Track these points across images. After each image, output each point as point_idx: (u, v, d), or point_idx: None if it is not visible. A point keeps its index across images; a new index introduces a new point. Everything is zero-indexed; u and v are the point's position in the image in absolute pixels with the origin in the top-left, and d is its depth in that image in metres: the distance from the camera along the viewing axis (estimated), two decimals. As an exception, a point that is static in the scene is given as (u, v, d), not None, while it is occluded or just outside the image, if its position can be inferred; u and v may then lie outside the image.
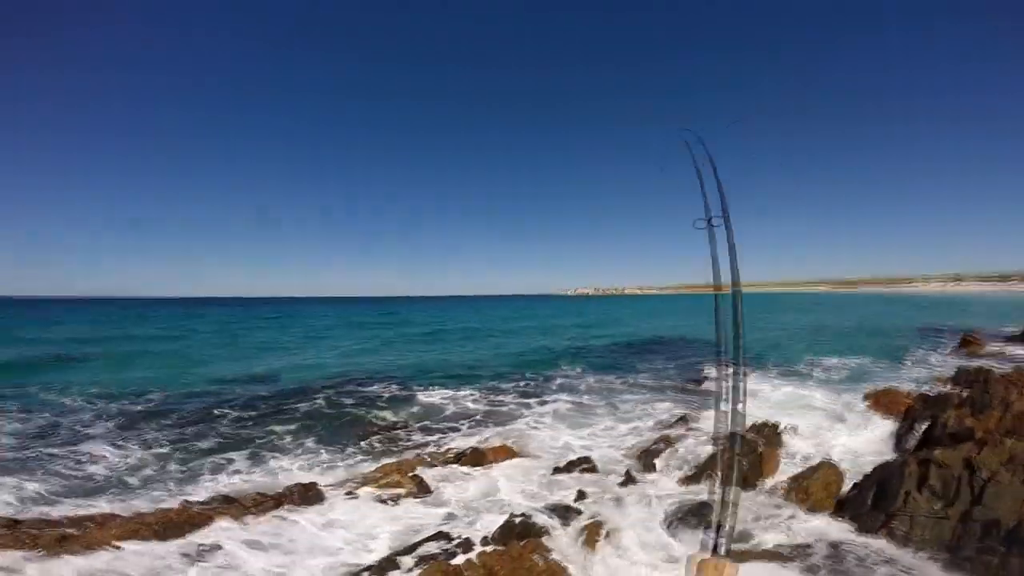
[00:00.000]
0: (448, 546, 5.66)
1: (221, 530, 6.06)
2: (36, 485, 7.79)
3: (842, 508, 6.26)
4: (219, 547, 5.62)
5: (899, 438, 8.85)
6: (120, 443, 10.07)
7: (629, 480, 7.71)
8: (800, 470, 7.34)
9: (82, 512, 6.73)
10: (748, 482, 7.42)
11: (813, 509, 6.31)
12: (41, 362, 21.32)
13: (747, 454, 7.84)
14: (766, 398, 13.19)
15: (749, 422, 10.12)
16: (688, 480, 7.71)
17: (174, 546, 5.60)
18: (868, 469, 6.73)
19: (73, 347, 26.79)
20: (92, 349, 26.13)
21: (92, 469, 8.67)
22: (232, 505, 6.79)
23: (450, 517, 6.75)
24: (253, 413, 12.55)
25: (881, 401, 10.92)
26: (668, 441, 9.33)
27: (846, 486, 6.70)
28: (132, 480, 8.31)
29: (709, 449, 8.31)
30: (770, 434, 9.38)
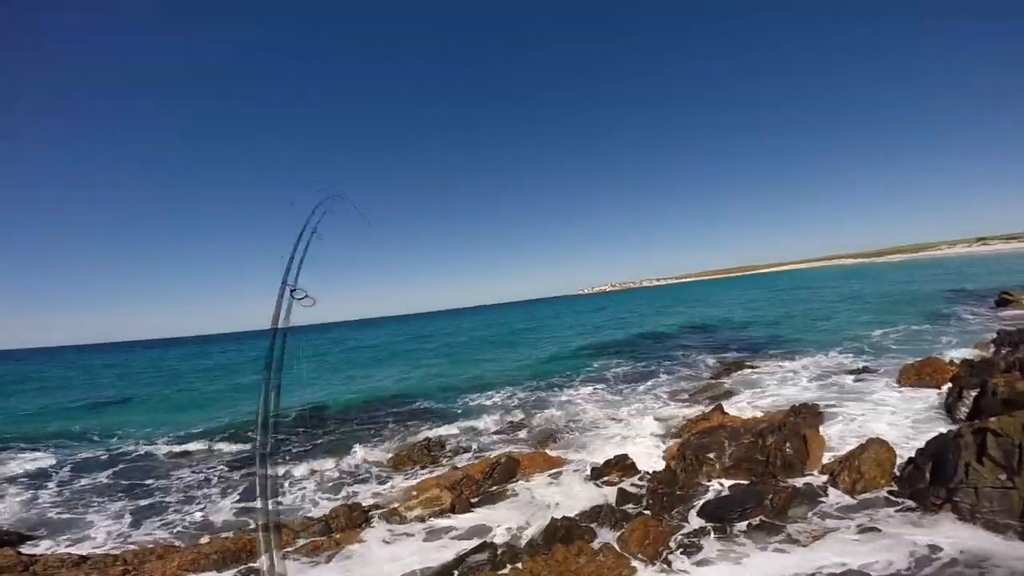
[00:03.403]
0: (493, 556, 5.61)
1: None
2: (100, 521, 8.11)
3: (898, 485, 6.04)
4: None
5: (948, 408, 8.53)
6: (177, 475, 10.37)
7: (670, 475, 7.54)
8: (848, 449, 7.12)
9: (145, 544, 6.97)
10: (793, 467, 7.22)
11: (867, 488, 6.10)
12: (99, 404, 22.07)
13: (790, 437, 7.64)
14: (805, 377, 12.90)
15: (789, 404, 9.89)
16: (728, 471, 7.50)
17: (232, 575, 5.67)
18: (921, 443, 6.49)
19: (124, 389, 27.63)
20: (137, 390, 26.92)
21: (150, 502, 8.93)
22: (282, 531, 6.87)
23: (492, 527, 6.71)
24: (297, 436, 12.74)
25: (924, 371, 10.56)
26: (707, 432, 9.13)
27: (900, 462, 6.46)
28: (190, 510, 8.51)
29: (748, 439, 8.08)
30: (810, 415, 9.14)
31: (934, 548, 4.65)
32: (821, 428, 8.63)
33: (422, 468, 9.56)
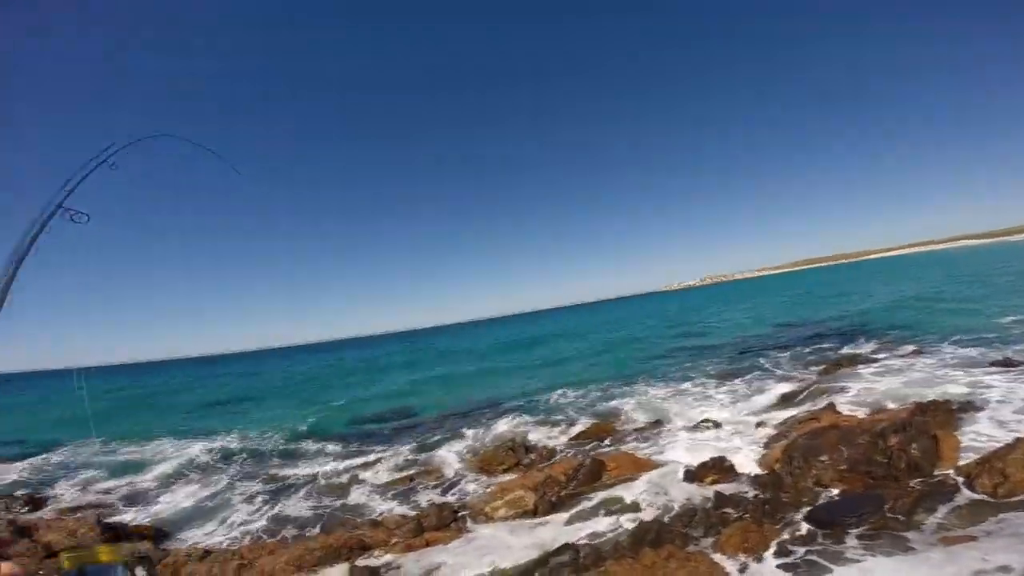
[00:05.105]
0: (575, 558, 5.52)
1: (375, 555, 6.52)
2: (226, 516, 9.11)
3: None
4: (375, 571, 5.98)
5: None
6: (298, 472, 11.33)
7: (775, 479, 6.97)
8: (988, 450, 6.17)
9: (262, 539, 7.75)
10: (921, 469, 6.39)
11: (1012, 492, 5.24)
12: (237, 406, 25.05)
13: (916, 437, 6.79)
14: (932, 371, 11.40)
15: (913, 401, 8.80)
16: (842, 474, 6.77)
17: (337, 571, 6.08)
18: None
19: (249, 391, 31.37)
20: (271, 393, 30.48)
21: (271, 497, 9.88)
22: (379, 528, 7.29)
23: (575, 529, 6.60)
24: (388, 438, 13.46)
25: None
26: (817, 433, 8.34)
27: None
28: (304, 507, 9.24)
29: (865, 439, 7.25)
30: (941, 413, 8.05)
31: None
32: (954, 428, 7.58)
33: (506, 469, 9.65)
